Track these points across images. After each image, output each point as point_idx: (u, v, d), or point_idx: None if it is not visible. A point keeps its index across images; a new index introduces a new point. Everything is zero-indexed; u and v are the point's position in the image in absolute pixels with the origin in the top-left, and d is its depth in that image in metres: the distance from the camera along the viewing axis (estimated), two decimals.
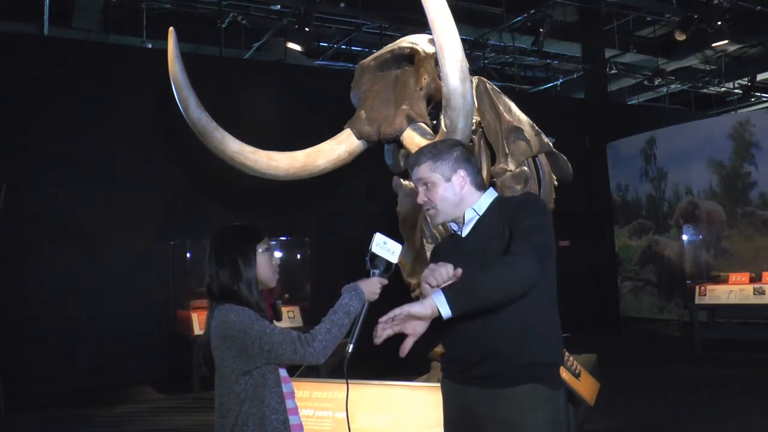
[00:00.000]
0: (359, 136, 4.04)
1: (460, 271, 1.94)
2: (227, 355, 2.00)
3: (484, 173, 4.11)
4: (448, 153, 2.12)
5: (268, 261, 2.17)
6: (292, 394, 2.11)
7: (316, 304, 7.90)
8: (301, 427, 2.10)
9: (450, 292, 1.82)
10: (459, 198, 2.09)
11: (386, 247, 2.07)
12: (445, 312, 1.80)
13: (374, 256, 2.08)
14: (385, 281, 2.12)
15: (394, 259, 2.09)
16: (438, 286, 1.91)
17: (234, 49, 10.18)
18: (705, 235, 9.50)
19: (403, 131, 3.87)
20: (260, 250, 2.15)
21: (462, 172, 2.10)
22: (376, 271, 2.10)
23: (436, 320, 2.04)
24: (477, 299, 1.83)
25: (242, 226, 2.22)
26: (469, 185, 2.11)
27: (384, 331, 1.84)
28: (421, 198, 2.12)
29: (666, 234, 10.33)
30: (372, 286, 2.09)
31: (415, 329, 1.86)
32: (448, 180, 2.09)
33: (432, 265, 1.97)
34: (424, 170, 2.10)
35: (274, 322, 2.19)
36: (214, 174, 6.58)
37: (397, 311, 1.83)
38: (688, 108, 15.82)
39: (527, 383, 1.94)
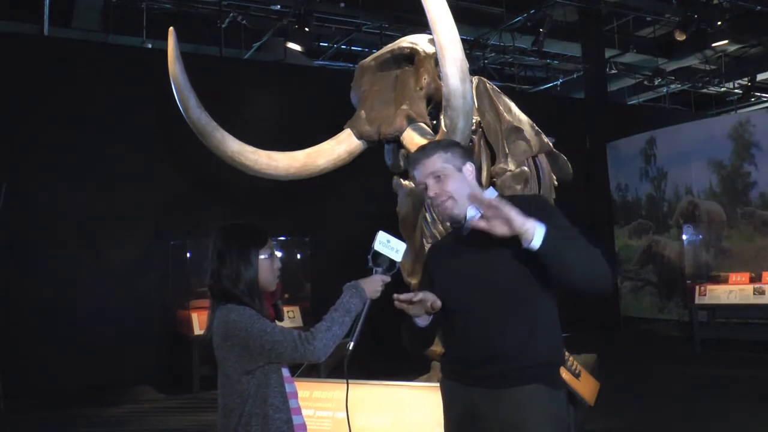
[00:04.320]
0: (359, 136, 4.04)
1: (439, 304, 1.99)
2: (230, 355, 2.00)
3: (484, 173, 4.11)
4: (455, 147, 2.15)
5: (270, 266, 2.16)
6: (295, 394, 2.10)
7: (315, 304, 7.90)
8: (304, 426, 2.10)
9: (549, 230, 1.83)
10: (471, 189, 2.08)
11: (390, 246, 2.04)
12: (537, 242, 1.82)
13: (377, 255, 2.05)
14: (388, 279, 2.09)
15: (397, 257, 2.06)
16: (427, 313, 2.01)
17: (234, 49, 10.19)
18: (705, 235, 9.50)
19: (403, 131, 3.87)
20: (263, 256, 2.13)
21: (469, 165, 2.11)
22: (379, 270, 2.08)
23: (438, 317, 2.04)
24: (563, 256, 1.85)
25: (245, 225, 2.20)
26: (474, 180, 2.12)
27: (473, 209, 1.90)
28: (433, 190, 2.06)
29: (666, 234, 10.33)
30: (373, 285, 2.07)
31: (495, 228, 1.86)
32: (460, 170, 2.08)
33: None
34: (437, 161, 2.07)
35: (276, 322, 2.18)
36: (214, 174, 6.57)
37: (496, 203, 1.85)
38: (688, 108, 15.82)
39: (530, 383, 1.93)
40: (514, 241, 1.96)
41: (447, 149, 2.11)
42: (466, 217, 2.09)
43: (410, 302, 1.95)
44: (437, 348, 2.26)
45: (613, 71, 12.60)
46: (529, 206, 2.03)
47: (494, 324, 1.96)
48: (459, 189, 2.06)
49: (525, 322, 1.95)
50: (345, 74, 7.23)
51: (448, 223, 2.16)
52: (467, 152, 2.16)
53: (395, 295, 1.97)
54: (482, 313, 1.98)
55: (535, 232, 1.82)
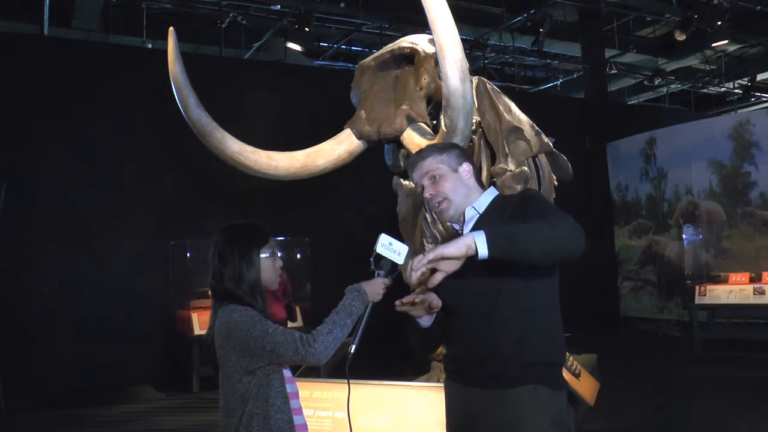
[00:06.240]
0: (359, 136, 4.05)
1: (437, 302, 1.97)
2: (231, 355, 2.01)
3: (484, 173, 4.11)
4: (451, 148, 2.15)
5: (272, 265, 2.16)
6: (296, 394, 2.11)
7: (315, 304, 7.90)
8: (305, 427, 2.10)
9: (490, 233, 1.71)
10: (467, 189, 2.07)
11: (392, 248, 2.04)
12: (482, 251, 1.68)
13: (379, 257, 2.05)
14: (390, 282, 2.10)
15: (399, 260, 2.05)
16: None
17: (234, 49, 10.19)
18: (705, 235, 9.50)
19: (403, 131, 3.88)
20: (265, 255, 2.13)
21: (466, 166, 2.10)
22: (381, 272, 2.08)
23: (441, 317, 2.04)
24: (515, 247, 1.73)
25: (247, 225, 2.20)
26: (473, 179, 2.11)
27: (416, 272, 1.72)
28: (428, 192, 2.06)
29: (666, 234, 10.32)
30: (375, 287, 2.08)
31: (448, 268, 1.74)
32: (455, 171, 2.08)
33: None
34: (431, 162, 2.07)
35: (289, 322, 2.16)
36: (214, 174, 6.58)
37: (430, 255, 1.71)
38: (688, 108, 15.82)
39: (528, 384, 1.92)
40: None
41: (442, 151, 2.11)
42: (464, 217, 2.09)
43: (412, 304, 1.96)
44: (438, 348, 2.26)
45: (613, 71, 12.59)
46: (511, 203, 2.04)
47: (490, 323, 1.96)
48: (454, 189, 2.06)
49: (521, 322, 1.95)
50: (345, 74, 7.23)
51: (447, 224, 2.15)
52: (464, 153, 2.15)
53: (397, 301, 1.97)
54: (479, 313, 1.98)
55: (477, 245, 1.69)
